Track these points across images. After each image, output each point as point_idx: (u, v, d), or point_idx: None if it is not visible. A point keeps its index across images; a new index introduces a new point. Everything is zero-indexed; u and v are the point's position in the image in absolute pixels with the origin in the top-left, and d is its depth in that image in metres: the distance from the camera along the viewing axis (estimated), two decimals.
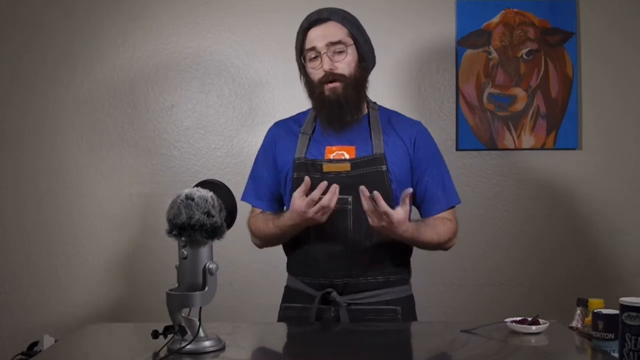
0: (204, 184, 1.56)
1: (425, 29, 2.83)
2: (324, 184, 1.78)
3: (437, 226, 1.94)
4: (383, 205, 1.72)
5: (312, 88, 1.94)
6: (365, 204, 1.74)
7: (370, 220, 1.77)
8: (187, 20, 2.85)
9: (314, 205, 1.77)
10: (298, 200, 1.79)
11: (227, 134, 2.86)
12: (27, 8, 2.84)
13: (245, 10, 2.84)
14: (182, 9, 2.85)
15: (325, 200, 1.77)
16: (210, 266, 1.50)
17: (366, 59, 1.96)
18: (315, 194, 1.76)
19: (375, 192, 1.72)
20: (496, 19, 2.82)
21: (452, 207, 2.00)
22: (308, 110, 2.05)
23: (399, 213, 1.74)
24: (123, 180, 2.85)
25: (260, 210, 2.03)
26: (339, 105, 1.90)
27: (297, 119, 2.06)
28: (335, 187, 1.78)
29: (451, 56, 2.83)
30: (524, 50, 2.82)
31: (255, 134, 2.78)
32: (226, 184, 1.58)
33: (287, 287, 2.05)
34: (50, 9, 2.84)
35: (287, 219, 1.87)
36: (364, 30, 1.97)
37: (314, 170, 1.90)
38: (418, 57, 2.83)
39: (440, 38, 2.83)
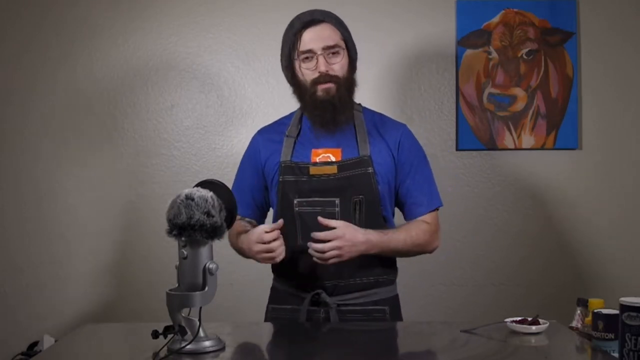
0: (204, 184, 1.56)
1: (425, 29, 2.83)
2: (280, 223, 1.81)
3: (410, 229, 1.94)
4: (320, 235, 1.78)
5: (304, 89, 1.94)
6: (319, 254, 1.79)
7: (327, 256, 1.80)
8: (187, 20, 2.85)
9: (265, 244, 1.79)
10: (259, 230, 1.81)
11: (227, 134, 2.86)
12: (27, 8, 2.84)
13: (245, 10, 2.84)
14: (182, 9, 2.85)
15: (273, 245, 1.78)
16: (210, 266, 1.50)
17: (354, 62, 1.98)
18: (268, 237, 1.78)
19: (319, 219, 1.80)
20: (496, 19, 2.82)
21: (434, 210, 2.00)
22: (291, 113, 2.06)
23: (336, 226, 1.79)
24: (123, 180, 2.85)
25: (241, 218, 2.00)
26: (332, 106, 1.90)
27: (281, 122, 2.07)
28: (281, 249, 1.80)
29: (451, 56, 2.83)
30: (524, 50, 2.81)
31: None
32: (226, 184, 1.58)
33: (273, 288, 2.05)
34: (50, 8, 2.84)
35: (242, 240, 1.89)
36: (351, 35, 1.99)
37: (301, 173, 1.91)
38: (418, 57, 2.83)
39: (440, 38, 2.83)
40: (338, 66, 1.91)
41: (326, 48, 1.90)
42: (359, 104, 2.04)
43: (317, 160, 1.93)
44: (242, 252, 1.94)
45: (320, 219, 1.80)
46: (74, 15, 2.84)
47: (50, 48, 2.84)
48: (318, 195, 1.89)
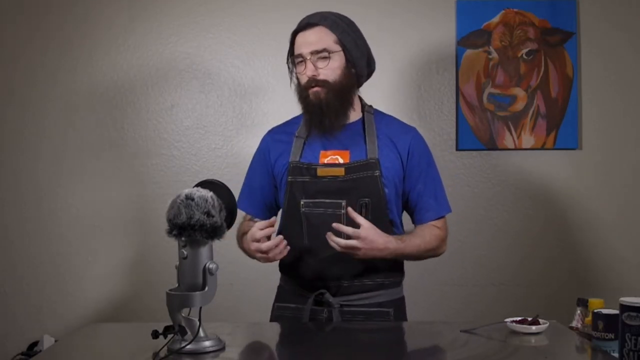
0: (204, 184, 1.56)
1: (425, 29, 2.83)
2: (273, 221, 1.83)
3: (424, 234, 1.96)
4: (344, 229, 1.78)
5: (299, 92, 1.96)
6: (337, 246, 1.78)
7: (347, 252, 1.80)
8: (187, 20, 2.85)
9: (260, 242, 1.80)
10: (254, 229, 1.82)
11: (227, 134, 2.86)
12: (27, 8, 2.84)
13: (245, 10, 2.85)
14: (182, 9, 2.85)
15: (263, 246, 1.79)
16: (210, 266, 1.50)
17: (356, 66, 1.95)
18: (259, 234, 1.80)
19: (334, 224, 1.79)
20: (496, 19, 2.82)
21: (443, 215, 2.02)
22: (302, 114, 2.06)
23: (362, 225, 1.79)
24: (123, 180, 2.85)
25: (250, 216, 2.04)
26: (320, 109, 1.91)
27: (291, 123, 2.07)
28: (284, 245, 1.81)
29: (451, 56, 2.83)
30: (524, 50, 2.82)
31: (255, 134, 2.76)
32: (226, 184, 1.58)
33: (280, 287, 2.06)
34: (50, 8, 2.84)
35: (245, 240, 1.89)
36: (359, 36, 1.96)
37: (308, 174, 1.92)
38: (418, 57, 2.83)
39: (440, 38, 2.83)
40: (327, 71, 1.90)
41: (314, 52, 1.90)
42: (370, 106, 2.04)
43: (325, 162, 1.93)
44: (247, 253, 1.96)
45: (346, 221, 1.81)
46: (74, 15, 2.84)
47: (50, 48, 2.84)
48: (324, 197, 1.89)
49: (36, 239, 2.85)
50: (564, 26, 2.81)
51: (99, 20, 2.84)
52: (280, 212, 2.06)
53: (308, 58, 1.90)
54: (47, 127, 2.85)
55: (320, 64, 1.90)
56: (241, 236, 1.97)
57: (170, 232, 1.47)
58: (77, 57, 2.85)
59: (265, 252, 1.80)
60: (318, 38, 1.90)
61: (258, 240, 1.80)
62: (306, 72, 1.91)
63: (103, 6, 2.84)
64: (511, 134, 2.82)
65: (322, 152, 1.94)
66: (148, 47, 2.85)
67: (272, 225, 1.82)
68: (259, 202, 2.04)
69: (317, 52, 1.90)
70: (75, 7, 2.84)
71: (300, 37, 1.93)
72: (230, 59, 2.86)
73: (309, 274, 1.92)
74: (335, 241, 1.78)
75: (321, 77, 1.90)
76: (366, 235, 1.79)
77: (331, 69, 1.91)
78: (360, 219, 1.79)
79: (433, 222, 1.99)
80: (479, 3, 2.82)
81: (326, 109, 1.91)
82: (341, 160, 1.93)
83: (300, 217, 1.91)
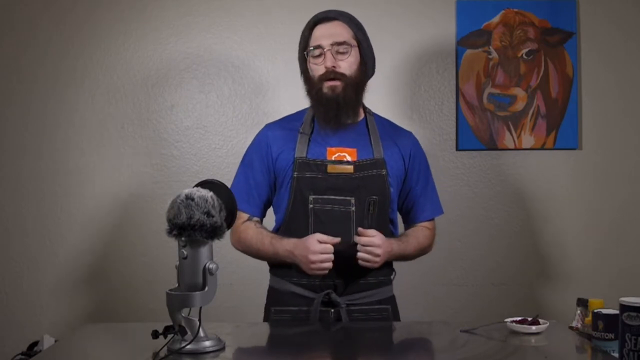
0: (204, 184, 1.56)
1: (425, 29, 2.83)
2: (338, 240, 1.84)
3: (417, 235, 2.03)
4: (363, 232, 1.84)
5: (312, 85, 1.95)
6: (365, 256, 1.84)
7: (366, 260, 1.84)
8: (187, 20, 2.85)
9: (324, 254, 1.82)
10: (316, 240, 1.82)
11: (227, 134, 2.86)
12: (27, 8, 2.84)
13: (245, 10, 2.84)
14: (182, 9, 2.85)
15: (331, 256, 1.82)
16: (210, 266, 1.50)
17: (367, 64, 1.98)
18: (330, 248, 1.83)
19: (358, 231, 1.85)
20: (496, 19, 2.82)
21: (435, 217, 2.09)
22: (302, 111, 2.06)
23: (373, 235, 1.84)
24: (123, 180, 2.85)
25: (248, 215, 2.00)
26: (336, 103, 1.92)
27: (290, 119, 2.06)
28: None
29: (451, 56, 2.83)
30: (524, 50, 2.82)
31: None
32: (226, 184, 1.58)
33: (272, 289, 2.02)
34: (51, 8, 2.84)
35: (291, 244, 1.88)
36: (368, 37, 1.99)
37: (318, 170, 1.92)
38: (418, 57, 2.84)
39: (440, 38, 2.83)
40: (345, 64, 1.92)
41: (334, 44, 1.91)
42: (369, 109, 2.06)
43: (333, 159, 1.94)
44: (276, 256, 1.93)
45: (360, 229, 1.85)
46: (74, 16, 2.84)
47: (51, 48, 2.84)
48: (334, 193, 1.90)
49: (36, 239, 2.85)
50: (564, 26, 2.81)
51: (99, 20, 2.84)
52: (271, 210, 2.07)
53: (328, 49, 1.91)
54: (47, 127, 2.84)
55: (340, 56, 1.92)
56: (269, 239, 1.94)
57: (170, 232, 1.47)
58: (77, 58, 2.84)
59: (327, 261, 1.83)
60: (339, 31, 1.93)
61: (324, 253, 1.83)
62: (325, 62, 1.91)
63: (103, 6, 2.84)
64: (511, 134, 2.82)
65: (328, 148, 1.95)
66: (148, 47, 2.85)
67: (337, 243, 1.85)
68: (256, 201, 2.01)
69: (339, 44, 1.91)
70: (76, 7, 2.84)
71: (320, 29, 1.93)
72: (231, 59, 2.86)
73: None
74: (362, 243, 1.84)
75: (340, 69, 1.91)
76: (381, 242, 1.84)
77: (349, 63, 1.93)
78: (368, 232, 1.84)
79: (424, 224, 2.05)
80: (479, 3, 2.82)
81: (343, 102, 1.92)
82: (349, 158, 1.94)
83: (308, 214, 1.91)
